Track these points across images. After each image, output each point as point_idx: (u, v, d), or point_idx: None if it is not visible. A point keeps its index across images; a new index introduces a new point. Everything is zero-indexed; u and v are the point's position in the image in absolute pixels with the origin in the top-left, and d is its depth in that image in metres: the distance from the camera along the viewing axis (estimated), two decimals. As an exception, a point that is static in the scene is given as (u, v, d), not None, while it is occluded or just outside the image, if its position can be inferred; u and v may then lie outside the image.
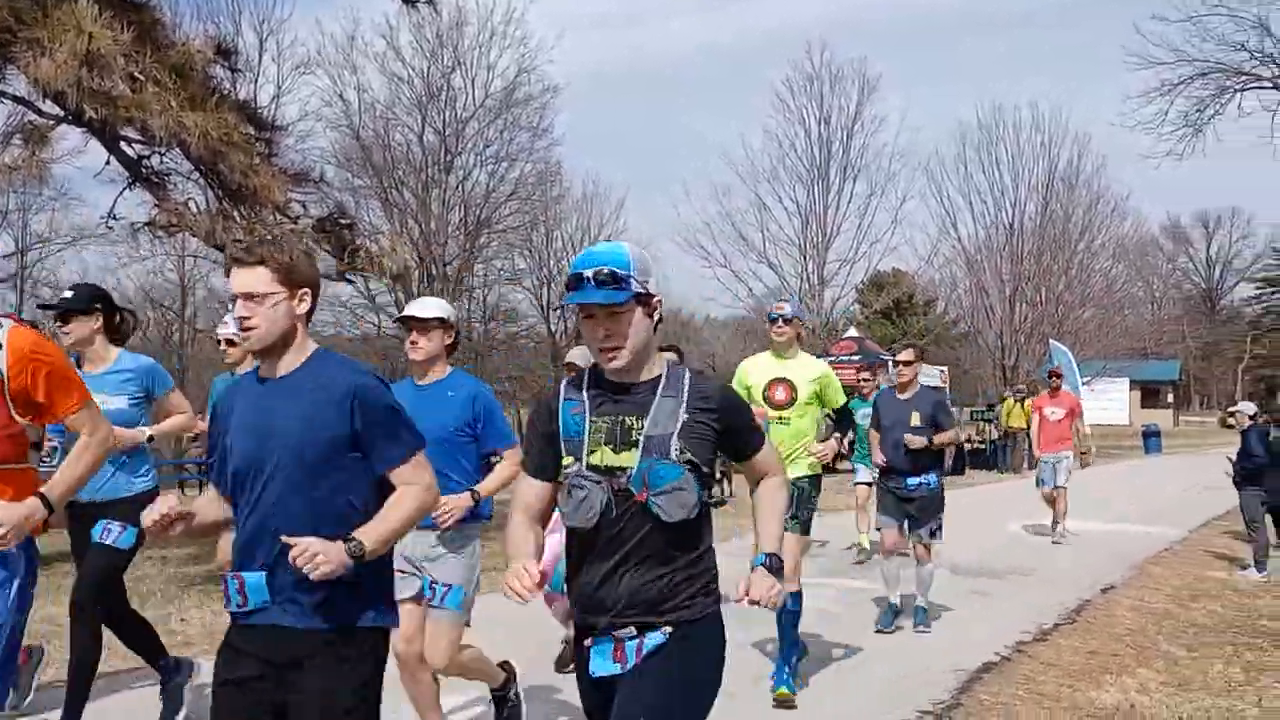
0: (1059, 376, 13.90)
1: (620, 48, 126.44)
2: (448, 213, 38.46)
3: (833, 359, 26.05)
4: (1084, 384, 32.65)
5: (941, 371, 28.05)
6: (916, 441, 7.79)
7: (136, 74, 8.69)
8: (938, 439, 7.93)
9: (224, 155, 8.27)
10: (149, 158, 9.63)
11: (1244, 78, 31.11)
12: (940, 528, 7.98)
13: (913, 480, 7.90)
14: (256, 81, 36.92)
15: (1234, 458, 11.54)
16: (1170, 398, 65.79)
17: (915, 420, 7.91)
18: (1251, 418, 11.44)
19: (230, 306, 3.15)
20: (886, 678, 6.50)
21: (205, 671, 6.48)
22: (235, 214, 8.89)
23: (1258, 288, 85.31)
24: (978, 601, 9.16)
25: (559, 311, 46.82)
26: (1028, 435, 28.71)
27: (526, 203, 40.37)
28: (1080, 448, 13.48)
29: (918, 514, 7.92)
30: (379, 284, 37.93)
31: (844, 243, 36.10)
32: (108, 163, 9.89)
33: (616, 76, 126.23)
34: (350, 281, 9.71)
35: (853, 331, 28.18)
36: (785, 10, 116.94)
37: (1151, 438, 37.09)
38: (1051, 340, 32.50)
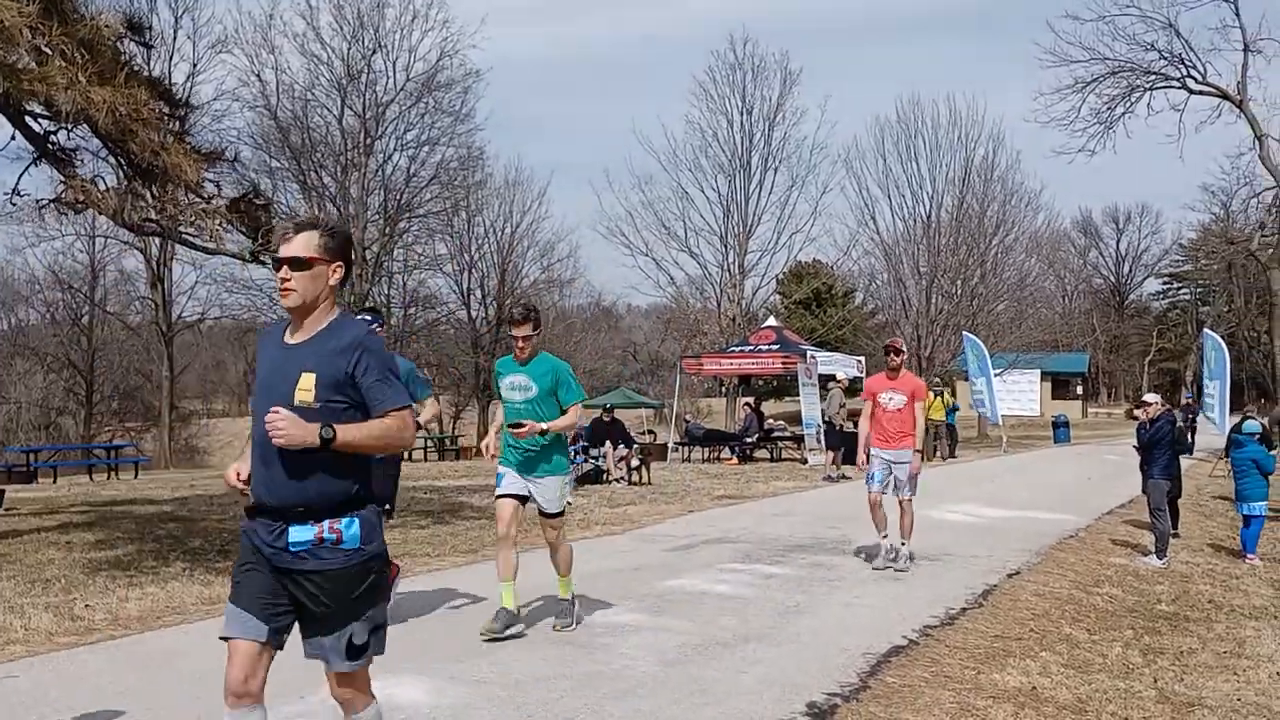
0: (897, 352, 10.34)
1: (545, 35, 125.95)
2: (367, 196, 38.08)
3: (752, 348, 26.30)
4: (996, 375, 33.33)
5: (858, 361, 28.38)
6: (287, 432, 3.54)
7: (43, 47, 8.46)
8: (340, 435, 3.61)
9: (133, 132, 8.07)
10: (55, 134, 9.38)
11: (1153, 77, 32.01)
12: (380, 638, 3.89)
13: (302, 532, 3.67)
14: (171, 59, 36.40)
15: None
16: (1080, 389, 67.35)
17: (305, 390, 3.65)
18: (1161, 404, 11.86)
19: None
20: (795, 661, 6.58)
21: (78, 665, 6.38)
22: (146, 193, 8.70)
23: (1164, 283, 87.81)
24: (890, 586, 9.31)
25: (480, 297, 46.69)
26: (950, 427, 29.35)
27: (448, 188, 40.14)
28: (918, 444, 10.17)
29: (317, 605, 3.74)
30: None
31: (765, 232, 36.46)
32: (13, 138, 9.63)
33: (541, 64, 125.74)
34: (264, 263, 9.52)
35: (772, 321, 28.37)
36: (711, 2, 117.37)
37: (1060, 428, 37.98)
38: (964, 332, 33.09)
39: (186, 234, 8.95)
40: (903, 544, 10.16)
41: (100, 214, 8.61)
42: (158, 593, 8.40)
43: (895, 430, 10.08)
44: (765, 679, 6.15)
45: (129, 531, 12.08)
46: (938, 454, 28.04)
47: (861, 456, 10.29)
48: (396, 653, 6.49)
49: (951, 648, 7.14)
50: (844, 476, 20.84)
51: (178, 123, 10.37)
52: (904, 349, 10.34)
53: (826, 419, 22.88)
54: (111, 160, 9.42)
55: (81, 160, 8.85)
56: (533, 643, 6.86)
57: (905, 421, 10.08)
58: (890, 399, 10.11)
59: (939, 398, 28.64)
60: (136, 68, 10.16)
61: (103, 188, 8.49)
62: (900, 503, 10.17)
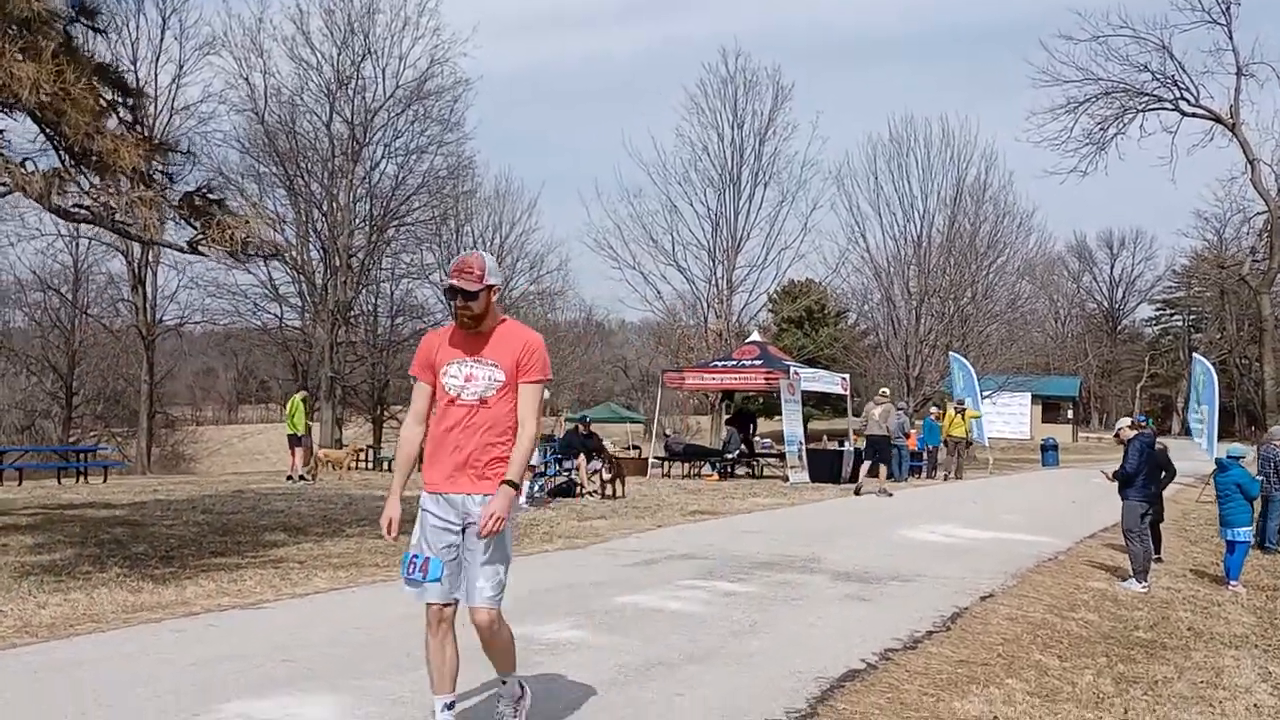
0: (468, 295, 4.60)
1: (540, 47, 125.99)
2: (355, 204, 37.67)
3: (735, 363, 25.92)
4: (986, 397, 32.95)
5: (843, 379, 28.00)
6: None
7: (-24, 26, 8.07)
8: None
9: (64, 113, 7.69)
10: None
11: (1146, 98, 31.77)
12: None
13: None
14: (158, 60, 36.04)
15: (1107, 470, 11.83)
16: (1070, 413, 67.04)
17: None
18: (1131, 427, 11.54)
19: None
20: (741, 684, 6.16)
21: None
22: (80, 178, 8.31)
23: (1157, 309, 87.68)
24: (855, 607, 8.89)
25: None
26: (967, 444, 28.74)
27: (436, 196, 39.74)
28: (516, 472, 4.68)
29: None
30: (280, 271, 37.10)
31: (754, 248, 36.12)
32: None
33: (534, 76, 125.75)
34: (203, 254, 9.15)
35: (755, 336, 27.97)
36: (711, 20, 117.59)
37: (1049, 451, 37.64)
38: (951, 352, 32.72)
39: (120, 222, 8.56)
40: (504, 682, 5.06)
41: (26, 197, 8.22)
42: (81, 599, 7.97)
43: (471, 448, 4.64)
44: (705, 703, 5.73)
45: (72, 535, 11.63)
46: (950, 474, 27.43)
47: (390, 511, 4.70)
48: (311, 668, 6.10)
49: (912, 673, 6.72)
50: (886, 493, 20.36)
51: (129, 111, 10.00)
52: (488, 276, 4.65)
53: (883, 431, 21.43)
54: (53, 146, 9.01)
55: (6, 141, 8.43)
56: (468, 660, 6.42)
57: (495, 429, 4.67)
58: (464, 379, 4.68)
59: (960, 414, 28.00)
60: (84, 51, 9.78)
61: (27, 170, 8.09)
62: (473, 621, 4.71)
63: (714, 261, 36.04)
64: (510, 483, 4.61)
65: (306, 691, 5.60)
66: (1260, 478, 14.18)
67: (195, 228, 9.61)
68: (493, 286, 4.70)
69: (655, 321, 47.90)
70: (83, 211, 8.53)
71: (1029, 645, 7.93)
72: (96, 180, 8.26)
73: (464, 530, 4.66)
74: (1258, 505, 13.00)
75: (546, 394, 17.50)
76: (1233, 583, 11.50)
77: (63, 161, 8.39)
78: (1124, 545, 11.53)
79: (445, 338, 4.82)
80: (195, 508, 14.88)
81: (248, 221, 8.54)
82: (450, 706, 4.84)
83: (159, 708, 5.24)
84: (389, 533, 4.74)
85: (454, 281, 4.62)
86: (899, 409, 27.25)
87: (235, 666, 6.05)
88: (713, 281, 36.14)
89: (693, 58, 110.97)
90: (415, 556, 4.66)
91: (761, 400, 39.23)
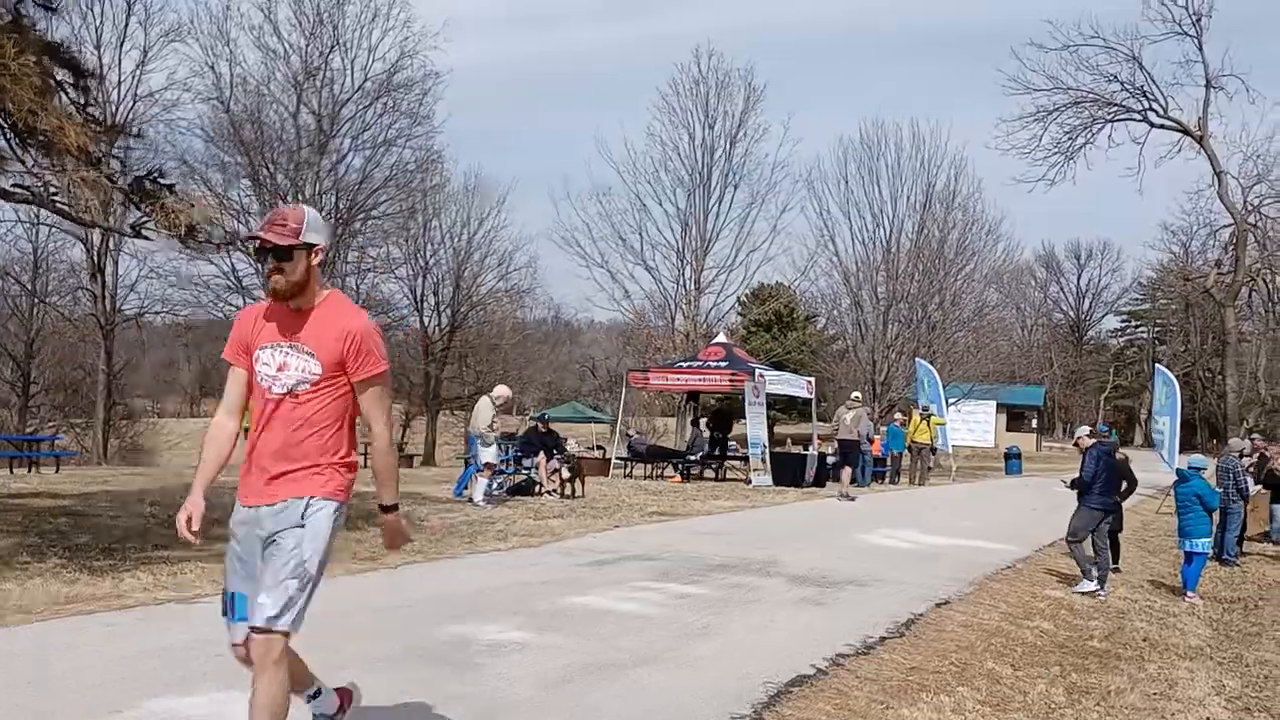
0: (280, 257, 3.84)
1: (513, 42, 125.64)
2: (321, 196, 37.23)
3: (701, 364, 25.80)
4: (951, 404, 32.96)
5: (808, 381, 27.93)
6: None
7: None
8: None
9: (5, 89, 7.47)
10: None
11: (1115, 109, 31.94)
12: None
13: None
14: (122, 45, 35.50)
15: (1066, 479, 11.85)
16: (1035, 422, 67.36)
17: None
18: (1090, 435, 11.53)
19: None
20: (687, 687, 6.02)
21: None
22: (25, 157, 8.08)
23: (1123, 321, 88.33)
24: (810, 611, 8.77)
25: (433, 304, 45.93)
26: (932, 450, 28.69)
27: (403, 190, 39.34)
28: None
29: None
30: (245, 263, 36.66)
31: (723, 249, 36.03)
32: None
33: (510, 71, 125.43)
34: (147, 238, 8.95)
35: (721, 337, 27.85)
36: (687, 16, 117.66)
37: (1012, 460, 37.72)
38: (918, 359, 32.73)
39: (60, 204, 8.35)
40: None
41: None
42: (13, 590, 7.72)
43: (273, 449, 3.91)
44: (649, 707, 5.59)
45: (13, 525, 11.34)
46: (914, 480, 27.45)
47: (188, 508, 3.85)
48: (240, 663, 5.90)
49: (862, 679, 6.61)
50: (848, 497, 20.41)
51: (81, 92, 9.77)
52: (307, 231, 3.85)
53: (853, 436, 22.00)
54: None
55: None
56: (402, 660, 6.26)
57: (306, 428, 3.90)
58: (277, 367, 3.92)
59: (925, 420, 27.90)
60: (40, 31, 9.55)
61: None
62: (249, 649, 3.85)
63: (682, 262, 35.96)
64: (389, 507, 4.08)
65: (234, 688, 5.38)
66: (1220, 490, 14.20)
67: (140, 210, 9.39)
68: (315, 247, 3.85)
69: (624, 322, 47.71)
70: (22, 191, 8.31)
71: (982, 653, 7.84)
72: (45, 161, 8.04)
73: (265, 549, 3.82)
74: (1216, 517, 13.01)
75: (509, 392, 17.26)
76: (1190, 594, 11.48)
77: (7, 140, 8.17)
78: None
79: (261, 314, 3.97)
80: (144, 500, 14.58)
81: (192, 205, 8.35)
82: (314, 695, 4.30)
83: (83, 703, 5.05)
84: (188, 530, 3.80)
85: (263, 234, 3.76)
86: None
87: (163, 661, 5.86)
88: (681, 282, 36.06)
89: (667, 55, 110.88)
90: (224, 591, 3.95)
91: (727, 402, 39.21)
